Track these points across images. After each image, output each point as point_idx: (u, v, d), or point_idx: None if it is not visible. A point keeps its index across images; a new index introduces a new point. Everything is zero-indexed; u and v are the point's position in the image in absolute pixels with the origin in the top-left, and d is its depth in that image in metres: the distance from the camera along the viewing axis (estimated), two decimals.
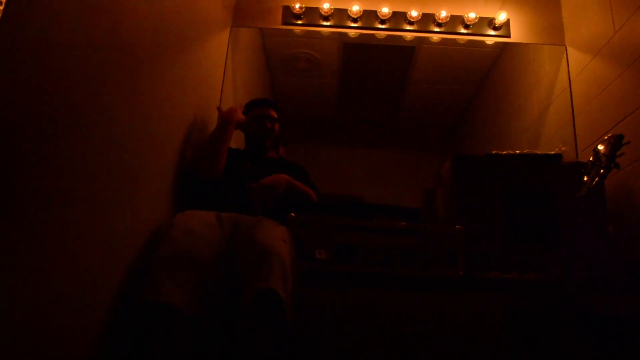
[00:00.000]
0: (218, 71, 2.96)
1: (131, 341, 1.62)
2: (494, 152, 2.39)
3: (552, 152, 2.39)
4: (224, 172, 2.25)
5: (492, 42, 3.36)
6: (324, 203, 2.25)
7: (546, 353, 1.76)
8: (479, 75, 4.36)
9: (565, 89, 3.10)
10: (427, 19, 3.25)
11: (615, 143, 1.55)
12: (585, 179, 1.62)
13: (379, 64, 4.45)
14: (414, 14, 3.18)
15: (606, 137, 1.64)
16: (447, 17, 3.20)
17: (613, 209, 2.30)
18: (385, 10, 3.18)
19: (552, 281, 2.03)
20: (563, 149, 2.45)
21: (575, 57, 3.06)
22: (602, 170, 1.52)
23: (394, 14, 3.24)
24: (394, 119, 5.23)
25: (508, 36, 3.25)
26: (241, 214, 2.01)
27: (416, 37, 3.42)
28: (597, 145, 1.66)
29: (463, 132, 4.93)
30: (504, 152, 2.39)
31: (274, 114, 2.54)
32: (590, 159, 1.66)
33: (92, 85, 1.34)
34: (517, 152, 2.37)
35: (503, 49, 3.77)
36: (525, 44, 3.36)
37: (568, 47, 3.16)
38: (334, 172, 5.14)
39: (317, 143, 5.57)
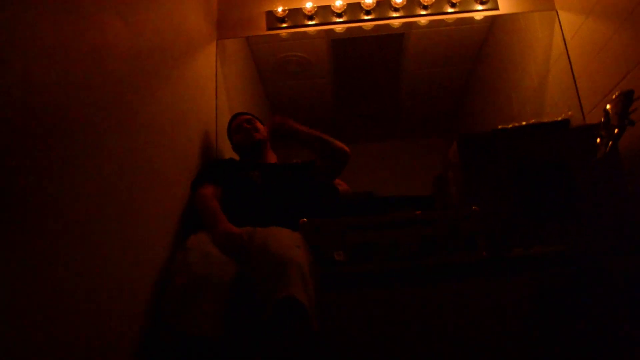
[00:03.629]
0: (210, 87, 2.93)
1: None
2: (500, 127, 2.33)
3: (559, 119, 2.32)
4: (232, 185, 2.20)
5: (481, 17, 3.29)
6: (334, 204, 2.20)
7: (582, 325, 1.71)
8: (472, 53, 4.30)
9: (562, 54, 3.03)
10: (413, 3, 3.20)
11: (627, 99, 1.49)
12: (598, 141, 1.56)
13: (370, 56, 4.39)
14: (398, 0, 3.12)
15: (615, 95, 1.58)
16: None
17: (629, 167, 2.23)
18: (368, 0, 3.12)
19: (577, 251, 1.98)
20: (569, 113, 2.38)
21: (568, 19, 3.00)
22: (616, 130, 1.46)
23: (379, 3, 3.20)
24: (393, 110, 5.17)
25: (496, 8, 3.20)
26: (254, 226, 1.97)
27: (404, 23, 3.37)
28: (606, 105, 1.60)
29: (465, 112, 4.87)
30: (510, 126, 2.33)
31: (249, 117, 2.55)
32: (602, 119, 1.60)
33: (80, 118, 1.31)
34: (524, 123, 2.31)
35: (493, 23, 3.70)
36: (515, 14, 3.30)
37: (559, 11, 3.10)
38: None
39: None
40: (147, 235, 1.75)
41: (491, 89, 4.15)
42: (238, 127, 2.48)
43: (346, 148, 2.39)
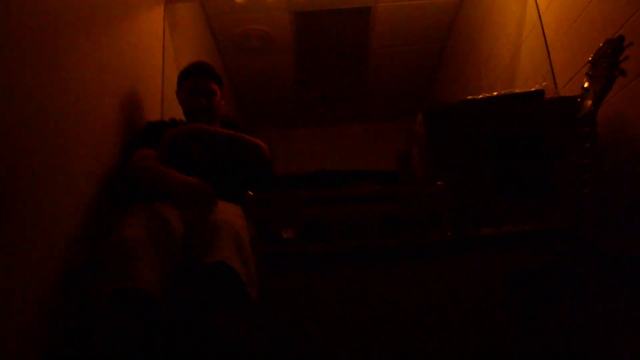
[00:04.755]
0: (156, 55, 2.66)
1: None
2: (469, 97, 2.14)
3: (533, 89, 2.14)
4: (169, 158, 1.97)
5: None
6: (283, 177, 1.98)
7: (557, 310, 1.53)
8: (442, 29, 4.13)
9: (535, 25, 2.85)
10: None
11: (617, 46, 1.30)
12: (579, 100, 1.37)
13: (336, 32, 4.18)
14: None
15: (602, 44, 1.39)
16: None
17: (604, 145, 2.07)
18: None
19: (552, 230, 1.79)
20: (544, 84, 2.21)
21: None
22: (603, 79, 1.27)
23: None
24: (360, 90, 4.98)
25: None
26: None
27: None
28: (593, 56, 1.41)
29: (434, 92, 4.70)
30: (480, 96, 2.14)
31: (214, 85, 2.14)
32: (589, 72, 1.41)
33: None
34: (495, 94, 2.12)
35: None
36: None
37: None
38: (300, 154, 4.89)
39: (279, 125, 5.29)
40: (62, 197, 1.56)
41: (461, 67, 3.98)
42: (193, 92, 2.13)
43: (262, 144, 2.03)
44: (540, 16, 2.83)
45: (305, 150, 4.98)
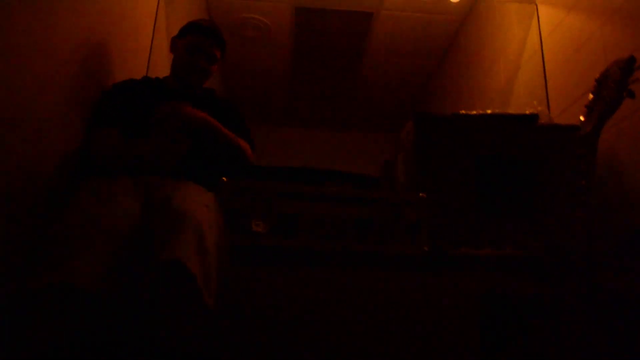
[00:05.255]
0: (146, 28, 2.55)
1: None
2: (462, 112, 2.07)
3: (527, 112, 2.08)
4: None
5: (457, 0, 3.04)
6: (263, 168, 1.89)
7: (530, 340, 1.46)
8: (440, 46, 4.08)
9: (536, 51, 2.81)
10: None
11: (627, 67, 1.24)
12: (582, 119, 1.30)
13: (335, 33, 4.10)
14: None
15: (611, 63, 1.33)
16: None
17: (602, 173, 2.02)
18: None
19: (531, 258, 1.73)
20: (539, 109, 2.16)
21: (547, 14, 2.77)
22: (609, 100, 1.20)
23: None
24: (350, 96, 4.91)
25: None
26: (162, 177, 1.64)
27: (374, 1, 3.09)
28: (600, 75, 1.34)
29: (424, 106, 4.64)
30: (473, 112, 2.07)
31: (217, 52, 1.99)
32: (590, 96, 1.34)
33: None
34: (489, 111, 2.06)
35: (469, 12, 3.48)
36: (492, 5, 3.07)
37: (539, 5, 2.87)
38: (283, 152, 4.79)
39: (266, 120, 5.19)
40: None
41: (455, 84, 3.94)
42: (194, 50, 1.95)
43: (248, 150, 1.91)
44: (541, 42, 2.79)
45: (289, 149, 4.89)
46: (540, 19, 2.84)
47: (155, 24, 2.67)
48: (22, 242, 1.36)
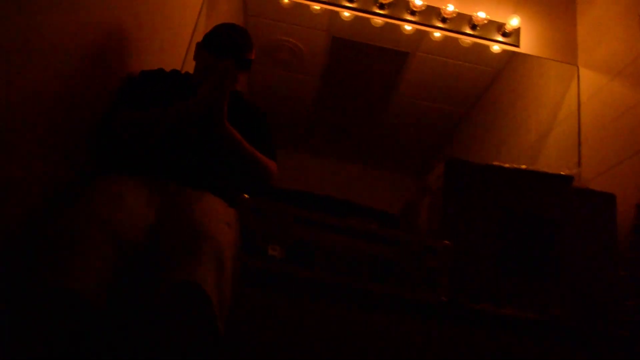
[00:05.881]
0: (185, 33, 2.52)
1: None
2: (495, 163, 2.00)
3: (563, 173, 2.01)
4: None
5: (498, 51, 3.00)
6: (285, 191, 1.81)
7: None
8: (472, 94, 4.03)
9: (572, 113, 2.76)
10: (432, 12, 2.90)
11: None
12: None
13: (368, 68, 4.07)
14: (418, 2, 2.82)
15: None
16: (453, 12, 2.85)
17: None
18: None
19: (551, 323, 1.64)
20: (574, 171, 2.09)
21: (589, 77, 2.73)
22: None
23: (396, 0, 2.87)
24: (374, 133, 4.86)
25: (517, 45, 2.92)
26: (182, 184, 1.55)
27: (412, 42, 3.07)
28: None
29: (448, 154, 4.57)
30: (507, 165, 2.01)
31: (240, 75, 1.80)
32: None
33: None
34: (523, 167, 1.99)
35: (506, 64, 3.44)
36: (531, 60, 3.04)
37: (581, 67, 2.84)
38: (298, 179, 4.71)
39: (285, 145, 5.12)
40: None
41: (483, 135, 3.88)
42: (210, 69, 1.64)
43: (272, 170, 1.71)
44: (579, 106, 2.74)
45: (302, 175, 4.83)
46: (580, 82, 2.80)
47: (195, 27, 2.65)
48: (24, 238, 1.27)
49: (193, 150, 1.64)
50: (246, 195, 1.61)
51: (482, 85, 3.87)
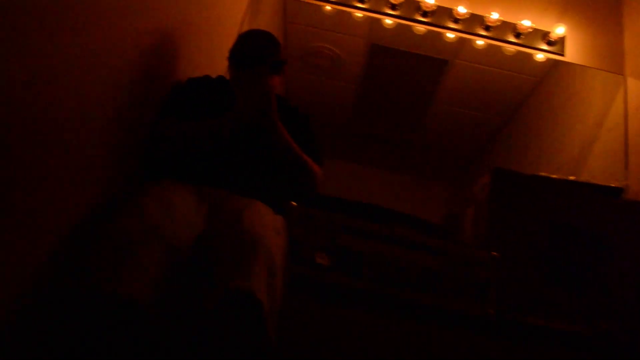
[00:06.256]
0: (229, 40, 2.54)
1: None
2: (542, 173, 1.97)
3: (613, 185, 1.97)
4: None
5: (542, 59, 2.96)
6: (330, 199, 1.80)
7: None
8: (512, 103, 3.98)
9: (618, 125, 2.70)
10: (475, 20, 2.87)
11: None
12: None
13: (406, 76, 4.05)
14: (461, 11, 2.79)
15: None
16: (498, 20, 2.82)
17: None
18: (430, 1, 2.79)
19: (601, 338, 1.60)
20: (625, 183, 2.04)
21: (636, 88, 2.67)
22: None
23: (439, 8, 2.86)
24: (411, 141, 4.83)
25: (562, 54, 2.87)
26: (230, 191, 1.55)
27: (451, 50, 3.05)
28: None
29: (486, 163, 4.53)
30: (554, 176, 1.98)
31: (273, 79, 1.67)
32: None
33: None
34: (572, 178, 1.96)
35: (546, 76, 3.39)
36: (574, 69, 2.99)
37: (628, 77, 2.78)
38: (337, 187, 4.71)
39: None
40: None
41: (522, 144, 3.82)
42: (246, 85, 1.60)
43: (318, 174, 1.68)
44: (627, 116, 2.68)
45: (336, 182, 4.82)
46: (627, 92, 2.74)
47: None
48: (74, 240, 1.28)
49: (241, 157, 1.64)
50: (294, 203, 1.61)
51: (522, 94, 3.82)
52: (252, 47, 1.79)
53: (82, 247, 1.22)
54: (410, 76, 4.03)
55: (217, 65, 2.26)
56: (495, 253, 1.68)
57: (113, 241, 1.21)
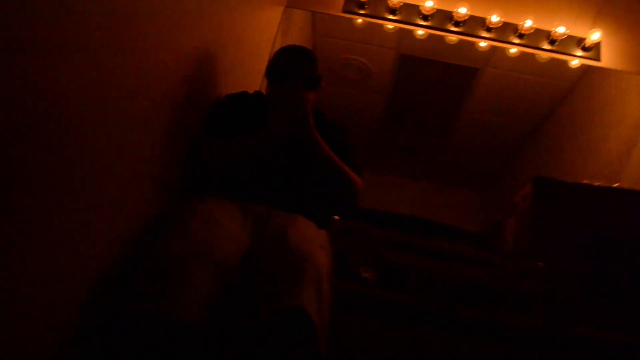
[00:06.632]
0: (264, 51, 2.57)
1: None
2: (585, 181, 1.94)
3: None
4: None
5: (576, 65, 2.92)
6: (368, 211, 1.79)
7: None
8: (544, 110, 3.94)
9: None
10: (507, 29, 2.85)
11: None
12: None
13: (435, 86, 4.04)
14: (494, 19, 2.77)
15: None
16: (531, 28, 2.79)
17: None
18: (462, 10, 2.78)
19: None
20: None
21: None
22: None
23: (471, 17, 2.84)
24: (440, 148, 4.81)
25: (597, 59, 2.83)
26: (273, 206, 1.56)
27: (482, 58, 3.03)
28: None
29: (517, 171, 4.48)
30: (597, 184, 1.94)
31: (308, 94, 1.71)
32: None
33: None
34: (616, 185, 1.92)
35: (579, 82, 3.34)
36: (608, 74, 2.95)
37: None
38: (369, 197, 4.69)
39: None
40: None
41: (555, 152, 3.77)
42: (283, 102, 1.61)
43: (359, 185, 1.68)
44: None
45: (376, 196, 4.81)
46: None
47: (272, 47, 2.69)
48: (124, 258, 1.30)
49: (282, 171, 1.65)
50: (337, 217, 1.61)
51: (555, 100, 3.77)
52: (286, 63, 1.80)
53: (132, 268, 1.23)
54: (440, 85, 4.01)
55: (249, 81, 2.29)
56: (541, 264, 1.65)
57: (163, 262, 1.22)
